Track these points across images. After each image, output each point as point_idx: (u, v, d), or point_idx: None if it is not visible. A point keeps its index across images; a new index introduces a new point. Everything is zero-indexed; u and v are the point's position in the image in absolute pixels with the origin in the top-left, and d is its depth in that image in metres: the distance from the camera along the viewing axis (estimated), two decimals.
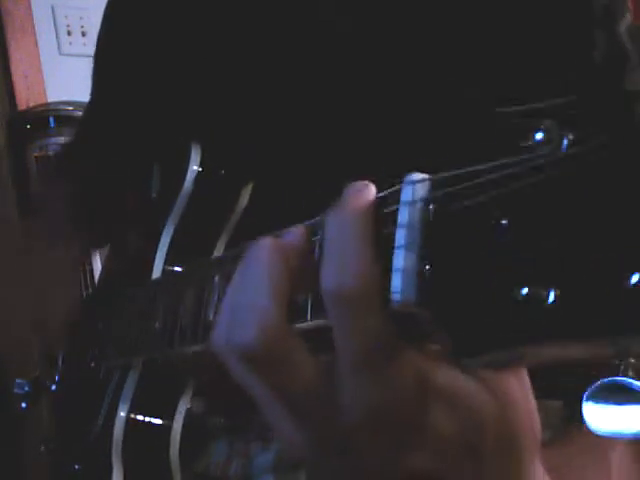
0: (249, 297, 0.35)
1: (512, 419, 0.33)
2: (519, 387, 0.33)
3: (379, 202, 0.34)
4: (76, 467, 0.75)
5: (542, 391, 0.36)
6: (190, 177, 0.66)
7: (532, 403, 0.34)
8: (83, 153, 0.96)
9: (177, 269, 0.68)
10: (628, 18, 0.55)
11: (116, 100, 0.86)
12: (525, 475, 0.34)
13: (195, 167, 0.67)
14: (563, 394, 0.43)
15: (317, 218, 0.37)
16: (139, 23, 0.78)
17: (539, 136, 0.27)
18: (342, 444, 0.34)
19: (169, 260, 0.68)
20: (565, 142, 0.26)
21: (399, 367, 0.32)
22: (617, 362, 0.26)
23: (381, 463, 0.33)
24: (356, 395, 0.32)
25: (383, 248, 0.32)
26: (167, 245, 0.68)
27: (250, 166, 0.67)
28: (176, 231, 0.68)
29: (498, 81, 0.54)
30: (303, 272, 0.35)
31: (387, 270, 0.31)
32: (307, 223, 0.38)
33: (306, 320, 0.36)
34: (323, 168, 0.61)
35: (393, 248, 0.31)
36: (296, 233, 0.37)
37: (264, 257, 0.35)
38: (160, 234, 0.68)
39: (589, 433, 0.28)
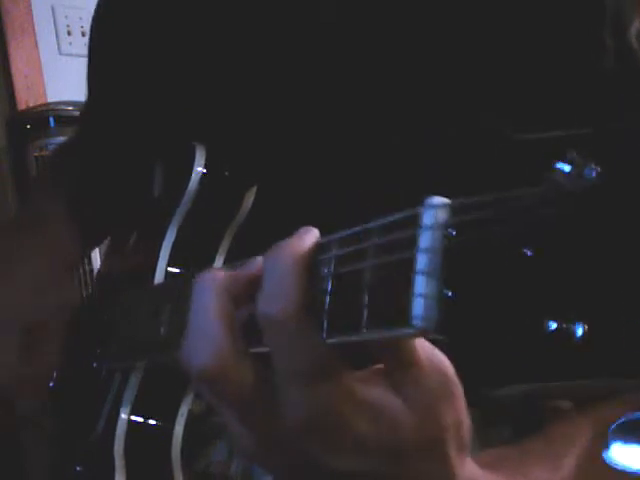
0: (201, 327, 0.40)
1: (431, 429, 0.38)
2: (445, 399, 0.38)
3: (319, 247, 0.37)
4: (78, 469, 0.75)
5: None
6: (194, 178, 0.66)
7: (461, 414, 0.39)
8: (83, 152, 0.96)
9: (184, 272, 0.67)
10: (638, 23, 0.55)
11: (118, 100, 0.86)
12: (450, 473, 0.39)
13: (200, 168, 0.67)
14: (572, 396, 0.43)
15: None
16: (141, 20, 0.78)
17: (565, 167, 0.27)
18: (282, 446, 0.40)
19: (172, 261, 0.68)
20: (591, 173, 0.26)
21: (327, 385, 0.37)
22: None
23: (314, 463, 0.39)
24: (290, 406, 0.38)
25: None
26: (170, 246, 0.67)
27: (255, 169, 0.67)
28: (179, 232, 0.68)
29: (511, 93, 0.54)
30: (249, 300, 0.40)
31: (407, 293, 0.31)
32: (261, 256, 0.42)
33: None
34: (325, 171, 0.61)
35: (413, 273, 0.31)
36: (245, 264, 0.42)
37: (210, 289, 0.41)
38: (163, 235, 0.68)
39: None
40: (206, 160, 0.67)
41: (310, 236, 0.38)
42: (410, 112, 0.59)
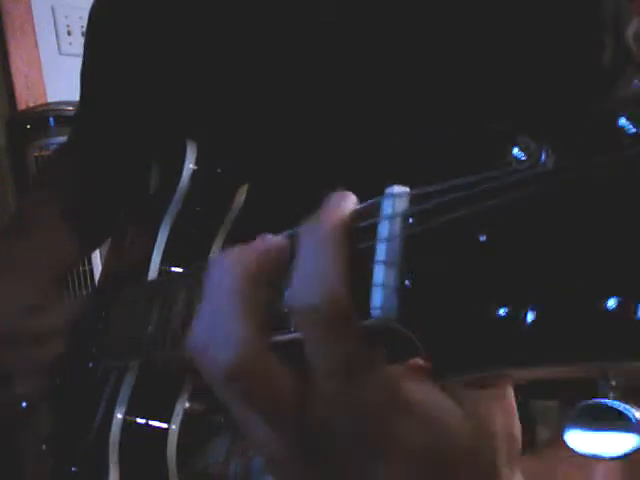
0: (220, 319, 0.34)
1: (483, 439, 0.33)
2: (498, 406, 0.34)
3: (356, 216, 0.33)
4: (73, 469, 0.75)
5: (538, 392, 0.36)
6: (186, 175, 0.66)
7: (512, 419, 0.34)
8: (79, 151, 0.96)
9: (173, 270, 0.67)
10: (635, 23, 0.55)
11: (110, 98, 0.86)
12: None
13: (191, 165, 0.66)
14: (559, 395, 0.43)
15: (296, 228, 0.36)
16: (134, 19, 0.78)
17: (516, 151, 0.27)
18: (315, 453, 0.34)
19: (166, 259, 0.68)
20: (543, 157, 0.26)
21: (370, 382, 0.32)
22: (599, 382, 0.25)
23: (351, 472, 0.34)
24: (326, 407, 0.33)
25: (359, 264, 0.31)
26: (164, 243, 0.67)
27: (246, 165, 0.67)
28: (172, 229, 0.67)
29: (509, 92, 0.54)
30: (281, 282, 0.35)
31: (366, 285, 0.30)
32: (286, 233, 0.37)
33: (289, 332, 0.36)
34: (318, 169, 0.61)
35: (373, 263, 0.31)
36: (268, 242, 0.36)
37: (230, 273, 0.35)
38: (156, 232, 0.68)
39: None
40: (197, 157, 0.67)
41: (347, 201, 0.33)
42: (408, 111, 0.59)
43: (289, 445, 0.35)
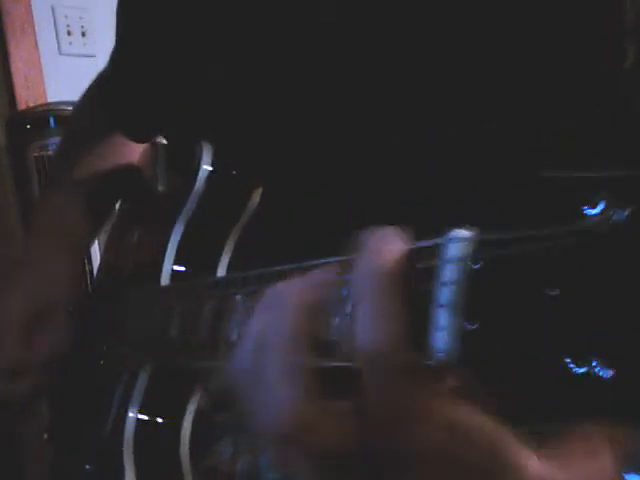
0: (271, 376, 0.33)
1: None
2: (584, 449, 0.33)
3: (413, 255, 0.32)
4: (87, 467, 0.75)
5: None
6: (201, 176, 0.66)
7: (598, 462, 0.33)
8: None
9: (192, 274, 0.67)
10: None
11: (130, 82, 0.86)
12: None
13: (206, 167, 0.67)
14: None
15: (347, 257, 0.36)
16: (148, 20, 0.78)
17: (595, 208, 0.26)
18: None
19: (178, 260, 0.68)
20: (621, 216, 0.25)
21: (430, 422, 0.31)
22: None
23: None
24: (385, 446, 0.32)
25: (418, 304, 0.31)
26: (176, 245, 0.67)
27: (261, 167, 0.67)
28: (186, 230, 0.67)
29: (525, 100, 0.53)
30: (330, 314, 0.35)
31: (425, 327, 0.30)
32: (336, 260, 0.37)
33: (335, 359, 0.35)
34: (331, 173, 0.61)
35: (433, 305, 0.30)
36: (323, 274, 0.35)
37: (284, 312, 0.34)
38: (170, 233, 0.68)
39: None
40: (213, 159, 0.67)
41: (398, 240, 0.32)
42: (413, 112, 0.59)
43: None
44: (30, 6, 1.92)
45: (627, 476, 0.26)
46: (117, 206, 0.95)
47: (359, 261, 0.32)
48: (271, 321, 0.34)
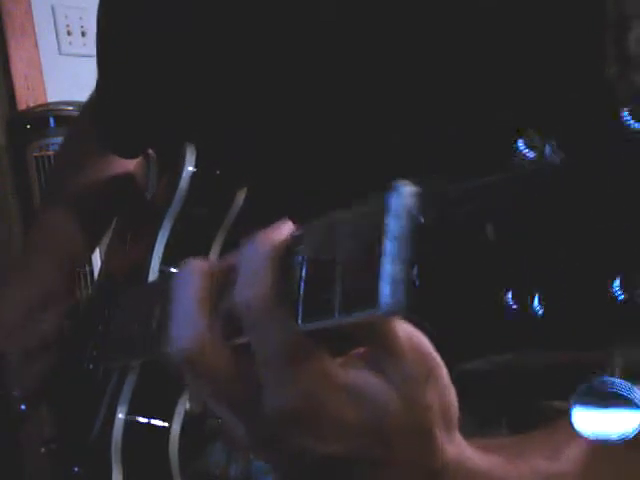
0: (182, 310, 0.42)
1: (417, 409, 0.38)
2: (429, 381, 0.38)
3: (290, 237, 0.39)
4: (75, 469, 0.75)
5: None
6: (185, 177, 0.66)
7: (445, 389, 0.39)
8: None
9: (175, 271, 0.67)
10: (638, 27, 0.55)
11: (115, 101, 0.86)
12: (437, 451, 0.39)
13: (190, 168, 0.67)
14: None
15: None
16: (133, 21, 0.78)
17: (522, 144, 0.27)
18: (268, 434, 0.40)
19: (165, 261, 0.68)
20: (548, 149, 0.26)
21: (305, 368, 0.37)
22: (604, 361, 0.26)
23: (302, 450, 0.39)
24: (270, 393, 0.39)
25: (367, 258, 0.34)
26: (163, 245, 0.68)
27: (245, 167, 0.67)
28: (172, 231, 0.68)
29: (510, 100, 0.54)
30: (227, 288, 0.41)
31: (375, 279, 0.32)
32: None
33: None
34: (317, 171, 0.61)
35: (381, 257, 0.32)
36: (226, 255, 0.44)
37: (192, 274, 0.43)
38: (156, 235, 0.68)
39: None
40: (197, 159, 0.67)
41: (285, 227, 0.40)
42: (408, 112, 0.59)
43: (249, 432, 0.41)
44: (30, 6, 1.93)
45: (573, 409, 0.27)
46: (115, 217, 0.96)
47: (246, 241, 0.40)
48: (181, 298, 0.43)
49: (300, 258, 0.37)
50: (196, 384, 0.42)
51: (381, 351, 0.38)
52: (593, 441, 0.26)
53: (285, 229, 0.40)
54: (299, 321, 0.37)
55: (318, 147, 0.63)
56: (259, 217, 0.65)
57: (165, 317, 0.52)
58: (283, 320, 0.37)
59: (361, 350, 0.40)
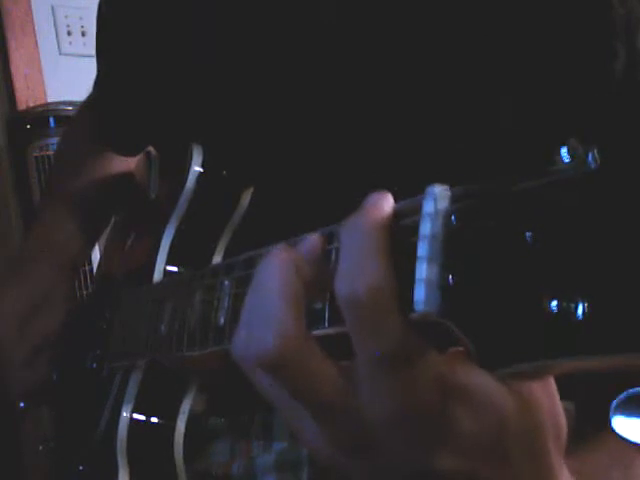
0: (265, 309, 0.36)
1: (534, 420, 0.34)
2: (543, 389, 0.34)
3: (397, 213, 0.34)
4: (81, 468, 0.75)
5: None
6: (192, 177, 0.66)
7: (556, 405, 0.35)
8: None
9: (183, 271, 0.68)
10: None
11: (117, 100, 0.86)
12: (551, 475, 0.35)
13: (197, 168, 0.67)
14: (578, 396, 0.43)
15: (333, 226, 0.38)
16: (140, 20, 0.78)
17: (564, 152, 0.27)
18: (365, 446, 0.35)
19: (170, 261, 0.68)
20: (590, 158, 0.26)
21: (416, 371, 0.33)
22: None
23: (404, 463, 0.35)
24: (374, 399, 0.34)
25: (401, 258, 0.32)
26: (168, 245, 0.68)
27: (252, 167, 0.67)
28: (177, 231, 0.68)
29: (517, 96, 0.53)
30: (318, 280, 0.37)
31: (409, 280, 0.32)
32: (322, 231, 0.39)
33: (324, 327, 0.37)
34: (322, 171, 0.61)
35: (415, 259, 0.32)
36: (311, 241, 0.38)
37: (277, 268, 0.36)
38: (162, 234, 0.68)
39: (615, 439, 0.29)
40: (203, 159, 0.67)
41: (386, 200, 0.35)
42: (411, 112, 0.59)
43: (338, 441, 0.36)
44: (30, 6, 1.93)
45: (614, 417, 0.27)
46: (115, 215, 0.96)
47: (346, 224, 0.35)
48: (264, 293, 0.37)
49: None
50: (278, 392, 0.37)
51: None
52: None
53: (387, 203, 0.34)
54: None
55: (324, 146, 0.63)
56: (265, 217, 0.65)
57: (181, 324, 0.50)
58: (398, 315, 0.32)
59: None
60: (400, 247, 0.33)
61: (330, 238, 0.38)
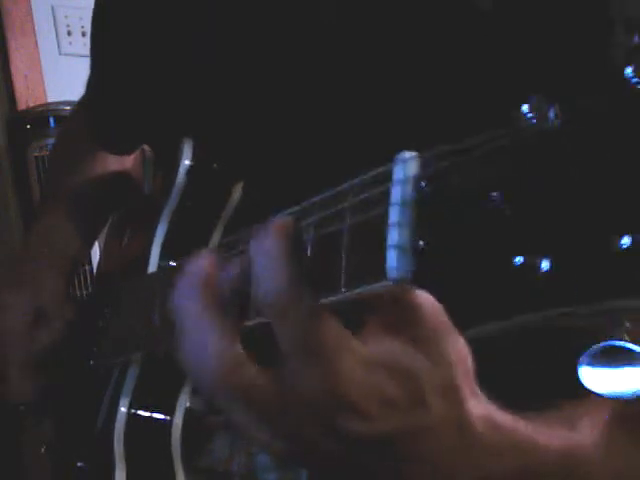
0: (192, 334, 0.40)
1: (443, 367, 0.38)
2: (452, 343, 0.38)
3: (297, 227, 0.37)
4: (79, 465, 0.75)
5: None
6: (182, 171, 0.66)
7: (460, 343, 0.38)
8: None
9: (173, 264, 0.68)
10: None
11: (109, 94, 0.87)
12: (470, 413, 0.39)
13: (187, 162, 0.67)
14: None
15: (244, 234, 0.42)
16: (133, 16, 0.78)
17: (525, 108, 0.27)
18: (307, 428, 0.38)
19: (164, 255, 0.68)
20: (552, 113, 0.26)
21: (335, 352, 0.36)
22: (612, 325, 0.27)
23: (344, 437, 0.38)
24: (305, 385, 0.37)
25: (372, 229, 0.34)
26: (162, 240, 0.68)
27: (242, 160, 0.67)
28: (170, 225, 0.68)
29: (501, 60, 0.54)
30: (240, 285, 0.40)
31: (381, 248, 0.32)
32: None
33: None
34: (312, 166, 0.62)
35: (387, 226, 0.32)
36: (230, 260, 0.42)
37: (191, 290, 0.40)
38: (155, 230, 0.68)
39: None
40: (193, 153, 0.67)
41: (287, 217, 0.39)
42: (407, 111, 0.59)
43: (288, 437, 0.39)
44: (30, 6, 1.93)
45: (580, 367, 0.27)
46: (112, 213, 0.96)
47: (256, 232, 0.39)
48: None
49: (308, 235, 0.37)
50: (233, 406, 0.40)
51: (400, 316, 0.37)
52: (610, 413, 0.26)
53: (287, 218, 0.39)
54: (318, 300, 0.36)
55: (315, 141, 0.63)
56: (256, 210, 0.65)
57: (174, 343, 0.51)
58: (309, 303, 0.36)
59: (377, 321, 0.39)
60: (372, 216, 0.34)
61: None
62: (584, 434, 0.45)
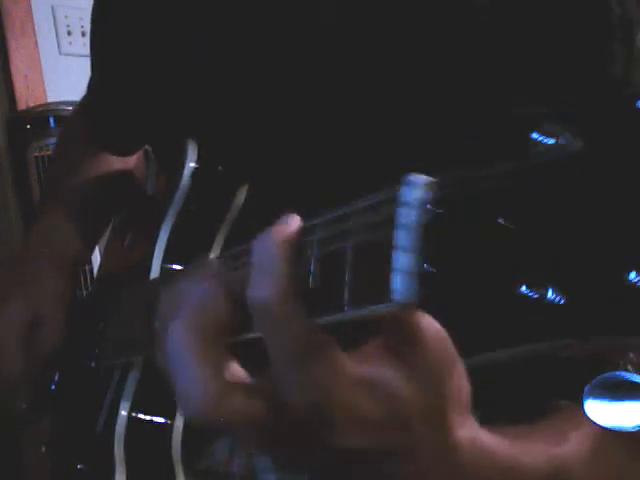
0: (187, 370, 0.40)
1: (434, 397, 0.38)
2: (444, 365, 0.38)
3: (301, 230, 0.38)
4: (79, 467, 0.75)
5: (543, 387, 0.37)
6: (187, 173, 0.66)
7: (458, 375, 0.38)
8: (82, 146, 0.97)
9: (176, 268, 0.67)
10: None
11: (112, 95, 0.86)
12: (454, 436, 0.39)
13: (192, 164, 0.67)
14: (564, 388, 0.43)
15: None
16: (135, 16, 0.78)
17: (537, 136, 0.27)
18: (290, 435, 0.39)
19: (167, 258, 0.68)
20: (564, 140, 0.26)
21: (322, 364, 0.37)
22: (617, 357, 0.26)
23: (326, 447, 0.39)
24: (289, 394, 0.38)
25: (379, 251, 0.33)
26: (165, 243, 0.67)
27: (247, 163, 0.67)
28: (173, 228, 0.67)
29: (511, 86, 0.54)
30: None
31: (386, 270, 0.32)
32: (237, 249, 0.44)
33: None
34: (318, 169, 0.61)
35: (393, 248, 0.32)
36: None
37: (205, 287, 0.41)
38: (158, 232, 0.68)
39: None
40: (198, 155, 0.67)
41: (294, 220, 0.39)
42: (409, 112, 0.59)
43: (271, 436, 0.40)
44: (30, 6, 1.93)
45: (586, 401, 0.27)
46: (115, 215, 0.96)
47: (256, 240, 0.39)
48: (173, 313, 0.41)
49: (311, 252, 0.37)
50: (220, 429, 0.42)
51: (402, 342, 0.37)
52: (602, 429, 0.26)
53: (294, 223, 0.39)
54: (313, 316, 0.36)
55: (320, 143, 0.63)
56: (261, 213, 0.65)
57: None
58: (297, 318, 0.37)
59: (379, 341, 0.39)
60: (378, 238, 0.34)
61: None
62: (573, 447, 0.45)
